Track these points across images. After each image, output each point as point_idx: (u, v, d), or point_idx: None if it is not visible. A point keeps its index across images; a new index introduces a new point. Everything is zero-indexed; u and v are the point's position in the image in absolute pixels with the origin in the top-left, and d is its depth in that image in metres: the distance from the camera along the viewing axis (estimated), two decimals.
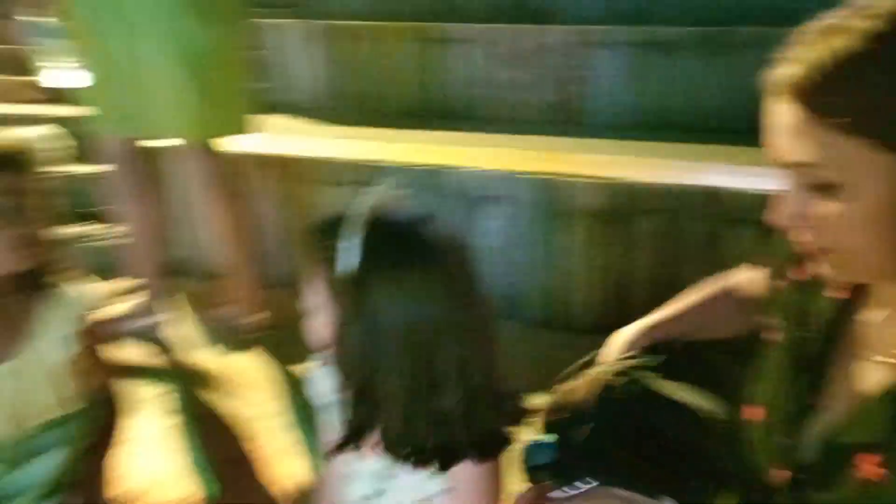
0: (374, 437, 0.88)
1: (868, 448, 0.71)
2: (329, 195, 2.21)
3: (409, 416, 0.82)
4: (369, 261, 0.80)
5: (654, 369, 1.16)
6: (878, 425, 0.71)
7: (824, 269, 0.75)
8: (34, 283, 1.16)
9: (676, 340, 1.11)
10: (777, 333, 0.88)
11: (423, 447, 0.84)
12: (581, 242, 1.95)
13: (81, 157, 2.15)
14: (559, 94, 3.09)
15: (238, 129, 2.00)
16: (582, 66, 3.03)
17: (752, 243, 1.80)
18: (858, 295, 0.79)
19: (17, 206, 1.10)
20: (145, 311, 2.01)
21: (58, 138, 1.15)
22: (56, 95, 2.68)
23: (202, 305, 2.16)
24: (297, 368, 1.83)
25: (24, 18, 1.88)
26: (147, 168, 1.92)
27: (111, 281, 1.98)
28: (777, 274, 0.92)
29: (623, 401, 1.15)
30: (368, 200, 0.84)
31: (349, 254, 0.81)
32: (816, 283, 0.82)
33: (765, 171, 0.72)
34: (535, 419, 0.96)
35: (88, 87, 1.90)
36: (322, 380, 0.96)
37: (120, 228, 1.94)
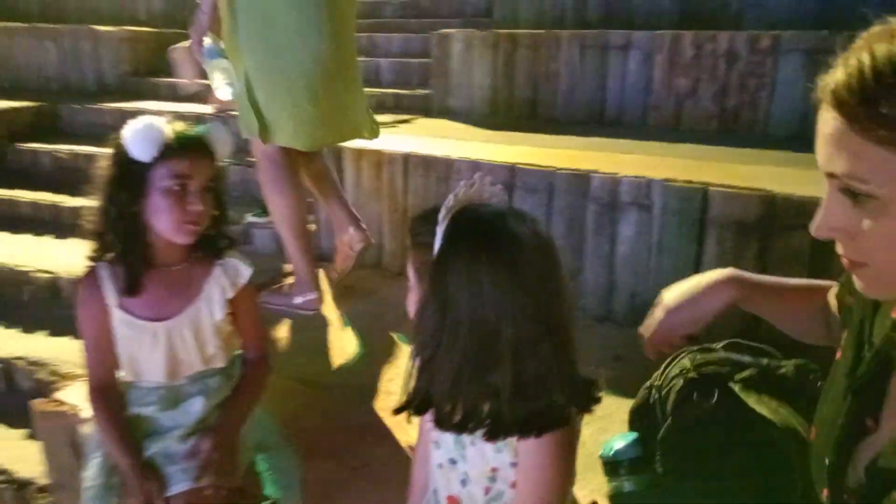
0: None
1: None
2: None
3: (458, 389, 0.90)
4: (447, 249, 0.90)
5: (739, 377, 1.16)
6: None
7: (857, 282, 0.73)
8: (208, 251, 1.38)
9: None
10: (840, 352, 0.86)
11: (469, 419, 0.92)
12: (713, 254, 1.90)
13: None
14: (730, 102, 3.02)
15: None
16: (754, 72, 2.93)
17: None
18: None
19: (215, 189, 1.33)
20: (293, 289, 2.21)
21: (226, 134, 1.38)
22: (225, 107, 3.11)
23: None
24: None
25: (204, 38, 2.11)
26: (293, 165, 2.11)
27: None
28: (844, 290, 0.89)
29: (709, 408, 1.16)
30: (461, 193, 0.94)
31: (437, 241, 0.92)
32: (879, 303, 0.79)
33: None
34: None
35: (276, 103, 1.97)
36: None
37: (273, 215, 2.14)
